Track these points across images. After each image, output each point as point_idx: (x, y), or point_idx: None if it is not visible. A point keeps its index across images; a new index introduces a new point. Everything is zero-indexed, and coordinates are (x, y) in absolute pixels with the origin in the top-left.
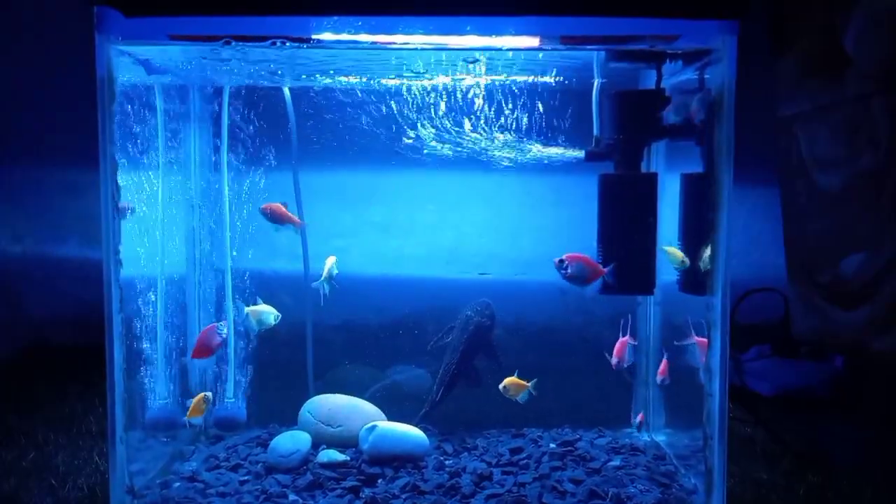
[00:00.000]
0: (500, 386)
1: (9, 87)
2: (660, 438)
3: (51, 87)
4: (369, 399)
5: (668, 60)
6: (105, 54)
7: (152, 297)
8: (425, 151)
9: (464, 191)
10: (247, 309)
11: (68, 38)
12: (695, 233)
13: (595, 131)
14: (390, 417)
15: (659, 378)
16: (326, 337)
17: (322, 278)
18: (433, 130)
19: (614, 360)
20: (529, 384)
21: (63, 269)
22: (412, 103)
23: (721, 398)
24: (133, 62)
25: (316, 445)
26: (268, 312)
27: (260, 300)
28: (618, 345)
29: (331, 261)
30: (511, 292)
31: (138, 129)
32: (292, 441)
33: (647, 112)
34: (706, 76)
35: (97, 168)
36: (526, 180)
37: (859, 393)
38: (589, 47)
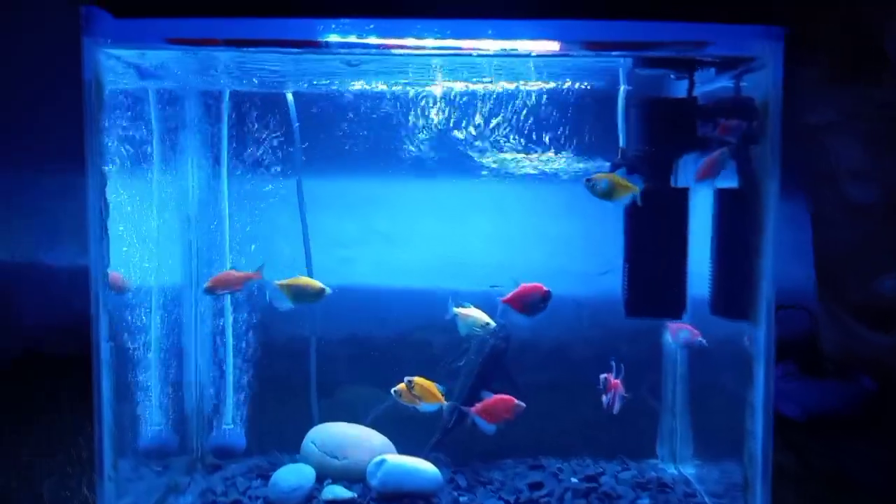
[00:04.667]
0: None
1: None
2: (689, 472)
3: (44, 89)
4: (372, 423)
5: (700, 67)
6: (92, 58)
7: (145, 315)
8: (434, 157)
9: (473, 200)
10: (456, 310)
11: (64, 38)
12: (730, 254)
13: (621, 142)
14: (396, 443)
15: (606, 398)
16: (330, 352)
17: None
18: (442, 138)
19: (606, 398)
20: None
21: (56, 277)
22: (420, 110)
23: (765, 438)
24: (124, 66)
25: (320, 479)
26: (477, 318)
27: (469, 304)
28: (612, 383)
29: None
30: None
31: (130, 138)
32: (295, 476)
33: (680, 122)
34: (742, 84)
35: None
36: (538, 189)
37: (892, 414)
38: (613, 53)
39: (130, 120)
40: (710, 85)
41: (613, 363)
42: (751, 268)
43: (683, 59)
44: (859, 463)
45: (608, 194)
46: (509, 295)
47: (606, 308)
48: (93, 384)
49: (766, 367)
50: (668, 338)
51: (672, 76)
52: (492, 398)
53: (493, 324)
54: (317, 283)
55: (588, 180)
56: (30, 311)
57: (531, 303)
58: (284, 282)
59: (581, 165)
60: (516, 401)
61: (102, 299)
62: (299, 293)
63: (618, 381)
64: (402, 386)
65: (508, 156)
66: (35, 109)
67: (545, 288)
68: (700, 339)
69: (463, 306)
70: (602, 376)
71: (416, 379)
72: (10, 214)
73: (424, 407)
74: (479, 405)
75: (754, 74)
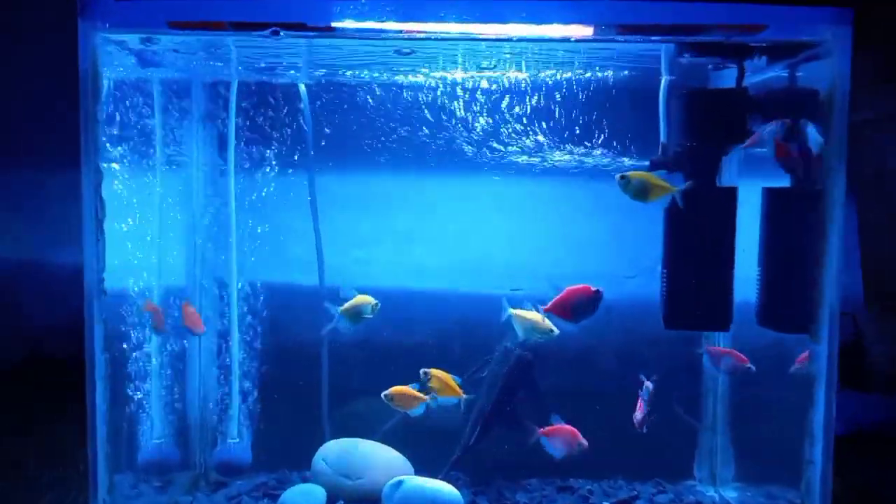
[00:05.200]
0: (384, 394)
1: (5, 85)
2: (730, 495)
3: (50, 84)
4: (385, 437)
5: (754, 55)
6: (89, 44)
7: (146, 318)
8: (459, 148)
9: (495, 198)
10: (512, 311)
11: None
12: (781, 260)
13: (661, 137)
14: (412, 458)
15: (637, 416)
16: (342, 358)
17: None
18: (462, 131)
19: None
20: (428, 397)
21: (63, 276)
22: (439, 101)
23: (824, 467)
24: (125, 52)
25: (332, 500)
26: (537, 323)
27: (531, 305)
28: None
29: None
30: None
31: (132, 131)
32: (304, 498)
33: (728, 115)
34: (798, 74)
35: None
36: (564, 187)
37: None
38: (654, 38)
39: (131, 112)
40: (760, 75)
41: (644, 379)
42: (811, 278)
43: (735, 45)
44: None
45: (642, 194)
46: (552, 302)
47: (636, 313)
48: (86, 400)
49: (828, 388)
50: (708, 363)
51: (709, 66)
52: (563, 426)
53: (556, 331)
54: (371, 299)
55: (622, 177)
56: (36, 311)
57: (578, 307)
58: (348, 305)
59: (613, 162)
60: (581, 438)
61: (97, 307)
62: (358, 313)
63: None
64: (393, 390)
65: (534, 151)
66: (34, 103)
67: (593, 288)
68: (748, 365)
69: (523, 308)
70: (647, 385)
71: (434, 371)
72: (17, 212)
73: (442, 401)
74: (548, 428)
75: (813, 63)
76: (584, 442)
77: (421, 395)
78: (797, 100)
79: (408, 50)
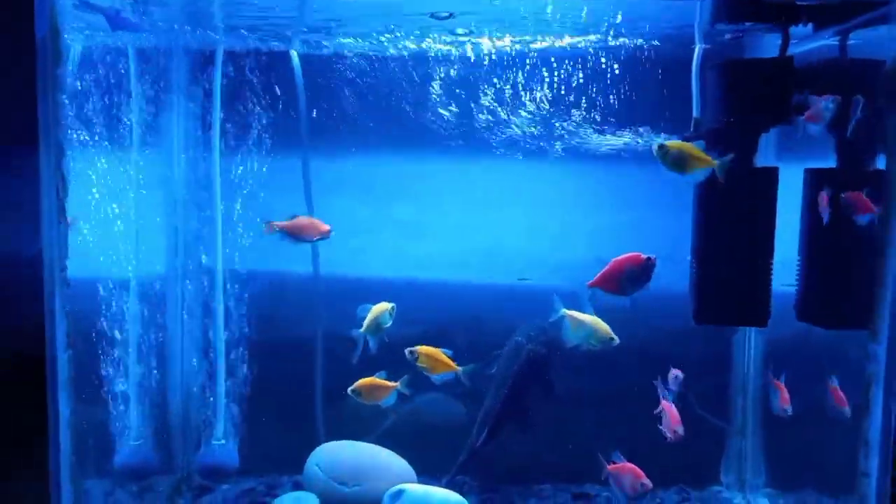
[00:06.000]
0: (350, 389)
1: None
2: (761, 502)
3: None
4: (382, 438)
5: (803, 20)
6: (47, 2)
7: (121, 312)
8: (465, 129)
9: (504, 183)
10: (566, 311)
11: None
12: (824, 247)
13: (694, 112)
14: (415, 461)
15: (670, 431)
16: (337, 353)
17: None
18: (470, 110)
19: (671, 432)
20: (399, 383)
21: (23, 264)
22: (445, 75)
23: (881, 480)
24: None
25: None
26: (595, 328)
27: (591, 308)
28: (672, 413)
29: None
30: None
31: (103, 104)
32: None
33: (769, 89)
34: (849, 42)
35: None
36: (579, 172)
37: None
38: None
39: (102, 82)
40: (804, 45)
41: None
42: (871, 270)
43: (780, 5)
44: None
45: (679, 164)
46: (598, 276)
47: (656, 306)
48: (48, 402)
49: (887, 393)
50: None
51: (727, 35)
52: (626, 464)
53: (616, 339)
54: (386, 305)
55: (660, 147)
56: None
57: (630, 277)
58: (367, 322)
59: (631, 140)
60: (644, 478)
61: (59, 299)
62: (379, 325)
63: (669, 404)
64: (361, 382)
65: (546, 133)
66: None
67: (644, 256)
68: (787, 408)
69: (580, 310)
70: (675, 375)
71: (421, 348)
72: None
73: (436, 378)
74: (615, 466)
75: (870, 30)
76: (649, 483)
77: (389, 383)
78: (855, 72)
79: (445, 14)
